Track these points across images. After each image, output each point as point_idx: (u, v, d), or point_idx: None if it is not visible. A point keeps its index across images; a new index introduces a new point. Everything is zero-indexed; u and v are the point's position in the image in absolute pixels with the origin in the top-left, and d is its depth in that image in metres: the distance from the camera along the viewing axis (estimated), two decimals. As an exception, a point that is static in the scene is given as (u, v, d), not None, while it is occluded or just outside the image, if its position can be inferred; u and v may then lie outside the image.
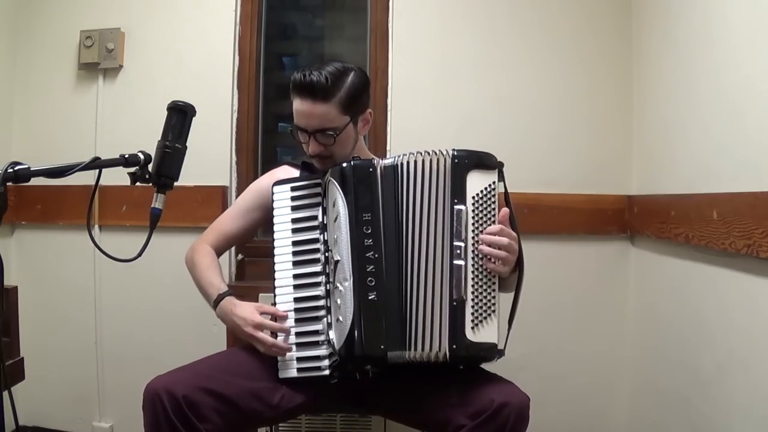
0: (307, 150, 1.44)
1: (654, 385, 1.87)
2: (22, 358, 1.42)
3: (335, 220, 1.34)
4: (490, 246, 1.26)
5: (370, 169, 1.34)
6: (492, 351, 1.26)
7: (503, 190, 1.34)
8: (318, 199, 1.41)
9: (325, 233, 1.38)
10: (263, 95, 2.23)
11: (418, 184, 1.32)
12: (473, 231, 1.28)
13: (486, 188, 1.29)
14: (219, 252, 1.57)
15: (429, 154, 1.32)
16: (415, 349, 1.28)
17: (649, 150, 1.96)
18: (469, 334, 1.25)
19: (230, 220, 1.60)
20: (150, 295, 2.12)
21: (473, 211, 1.28)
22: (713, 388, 1.50)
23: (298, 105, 1.39)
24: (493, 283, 1.27)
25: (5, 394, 1.07)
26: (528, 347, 2.07)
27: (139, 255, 1.16)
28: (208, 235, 1.59)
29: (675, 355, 1.73)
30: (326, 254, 1.37)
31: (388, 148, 2.09)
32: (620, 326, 2.07)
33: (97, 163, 1.09)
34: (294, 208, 1.43)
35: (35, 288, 2.13)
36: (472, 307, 1.26)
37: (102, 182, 1.17)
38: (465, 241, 1.27)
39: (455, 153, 1.30)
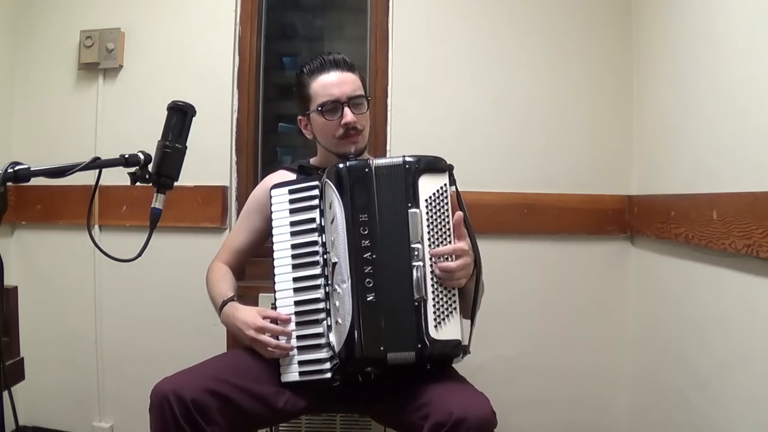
0: (335, 130, 1.47)
1: (654, 384, 1.87)
2: (22, 358, 1.42)
3: (332, 222, 1.34)
4: (445, 271, 1.28)
5: (366, 170, 1.34)
6: (457, 348, 1.28)
7: (455, 192, 1.37)
8: (315, 202, 1.41)
9: (324, 235, 1.38)
10: (263, 95, 2.23)
11: (383, 188, 1.34)
12: (429, 232, 1.30)
13: (438, 191, 1.32)
14: (233, 267, 1.59)
15: (386, 160, 1.36)
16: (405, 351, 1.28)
17: (649, 150, 1.96)
18: (433, 333, 1.26)
19: (236, 234, 1.62)
20: (150, 295, 2.12)
21: (427, 213, 1.31)
22: (713, 388, 1.50)
23: (328, 78, 1.47)
24: None
25: (5, 394, 1.07)
26: (528, 347, 2.08)
27: (139, 255, 1.16)
28: (220, 253, 1.61)
29: (675, 355, 1.73)
30: (325, 256, 1.37)
31: (388, 148, 2.09)
32: (620, 326, 2.07)
33: (97, 163, 1.09)
34: (292, 211, 1.43)
35: (35, 288, 2.13)
36: (434, 305, 1.28)
37: (102, 182, 1.18)
38: (421, 242, 1.30)
39: (405, 159, 1.34)
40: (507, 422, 2.05)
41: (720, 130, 1.49)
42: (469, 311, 1.37)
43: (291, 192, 1.44)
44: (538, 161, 2.07)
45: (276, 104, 2.31)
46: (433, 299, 1.28)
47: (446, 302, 1.28)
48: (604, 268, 2.09)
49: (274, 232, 1.43)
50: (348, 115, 1.45)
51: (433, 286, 1.28)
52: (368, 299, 1.29)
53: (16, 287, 1.43)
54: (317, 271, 1.38)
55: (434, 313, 1.27)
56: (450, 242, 1.30)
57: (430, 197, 1.31)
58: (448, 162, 1.36)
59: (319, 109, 1.46)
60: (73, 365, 2.15)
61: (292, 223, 1.42)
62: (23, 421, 2.13)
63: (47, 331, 2.13)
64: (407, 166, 1.32)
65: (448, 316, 1.28)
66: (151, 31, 2.13)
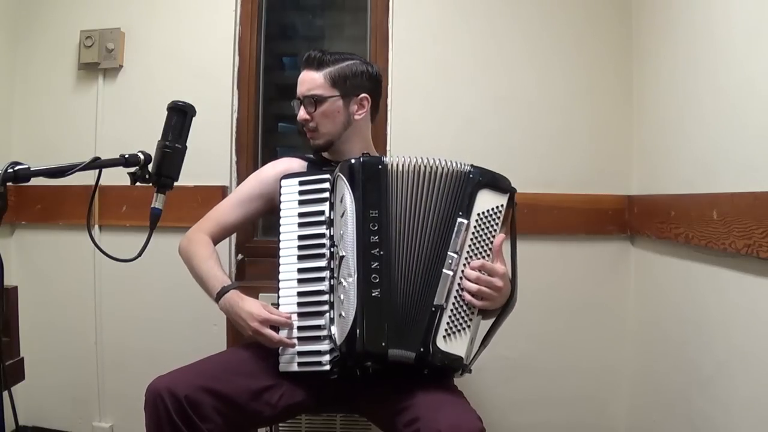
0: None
1: (654, 384, 1.87)
2: (22, 358, 1.42)
3: (342, 216, 1.34)
4: (471, 281, 1.28)
5: (379, 166, 1.35)
6: (457, 363, 1.28)
7: (512, 216, 1.38)
8: (326, 195, 1.41)
9: (332, 228, 1.38)
10: (263, 95, 2.23)
11: (426, 189, 1.33)
12: (469, 246, 1.31)
13: (493, 209, 1.33)
14: (216, 241, 1.55)
15: (446, 162, 1.35)
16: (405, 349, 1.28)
17: (649, 150, 1.96)
18: (440, 342, 1.27)
19: (230, 209, 1.57)
20: (150, 295, 2.12)
21: (475, 227, 1.31)
22: (713, 388, 1.50)
23: (299, 76, 1.51)
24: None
25: (5, 394, 1.07)
26: (528, 347, 2.08)
27: (139, 255, 1.16)
28: (204, 223, 1.56)
29: (675, 355, 1.73)
30: (332, 249, 1.37)
31: (388, 147, 2.09)
32: (620, 326, 2.07)
33: (97, 163, 1.09)
34: (301, 203, 1.43)
35: (35, 288, 2.13)
36: (450, 316, 1.28)
37: (102, 182, 1.18)
38: (459, 253, 1.30)
39: (471, 168, 1.34)
40: (507, 422, 2.07)
41: (720, 129, 1.49)
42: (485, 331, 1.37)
43: (301, 183, 1.44)
44: (538, 161, 2.07)
45: (276, 104, 2.31)
46: (452, 310, 1.28)
47: (463, 318, 1.29)
48: (604, 268, 2.08)
49: (281, 222, 1.43)
50: (299, 112, 1.50)
51: (455, 297, 1.29)
52: (373, 294, 1.29)
53: (16, 287, 1.43)
54: (323, 263, 1.37)
55: (448, 324, 1.28)
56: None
57: (484, 213, 1.32)
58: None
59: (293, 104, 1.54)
60: (72, 365, 2.15)
61: (301, 215, 1.42)
62: (23, 421, 2.13)
63: (47, 331, 2.13)
64: (471, 175, 1.34)
65: (460, 331, 1.28)
66: (151, 31, 2.13)
